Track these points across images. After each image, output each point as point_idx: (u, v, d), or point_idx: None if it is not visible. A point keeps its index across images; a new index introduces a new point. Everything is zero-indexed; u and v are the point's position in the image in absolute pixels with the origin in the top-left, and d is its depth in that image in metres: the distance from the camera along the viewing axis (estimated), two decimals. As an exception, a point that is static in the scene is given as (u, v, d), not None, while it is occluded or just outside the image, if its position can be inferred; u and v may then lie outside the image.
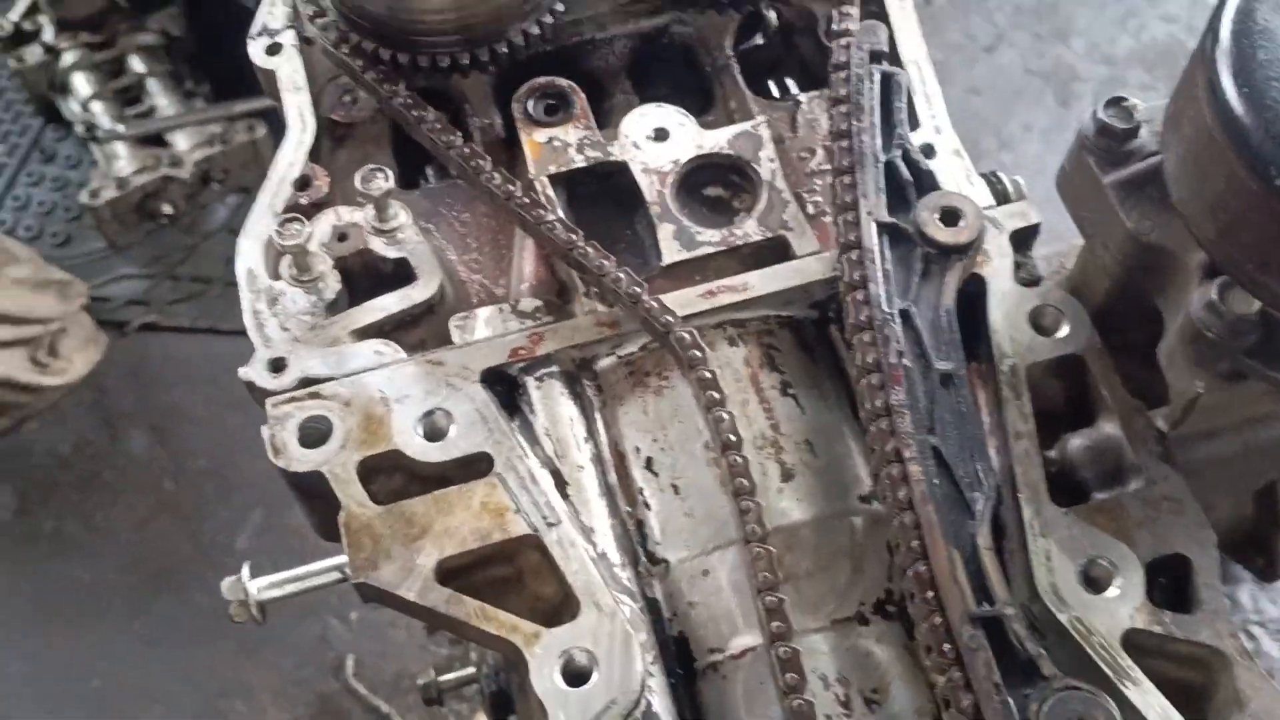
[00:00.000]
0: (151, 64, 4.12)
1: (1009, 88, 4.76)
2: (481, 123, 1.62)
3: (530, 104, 1.55)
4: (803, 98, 1.62)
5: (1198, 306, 1.18)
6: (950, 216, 1.35)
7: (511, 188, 1.44)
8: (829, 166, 1.52)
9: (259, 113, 3.94)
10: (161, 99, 4.12)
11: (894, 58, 1.56)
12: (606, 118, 1.64)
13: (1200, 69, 1.13)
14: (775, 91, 1.73)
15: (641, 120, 1.53)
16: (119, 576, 3.72)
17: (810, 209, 1.51)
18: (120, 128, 4.01)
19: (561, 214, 1.46)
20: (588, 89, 1.62)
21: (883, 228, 1.34)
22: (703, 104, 1.68)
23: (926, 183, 1.41)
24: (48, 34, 4.14)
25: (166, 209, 4.09)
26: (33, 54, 4.15)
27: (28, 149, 4.49)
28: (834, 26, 1.52)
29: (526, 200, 1.43)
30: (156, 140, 4.08)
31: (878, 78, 1.45)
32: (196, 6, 4.15)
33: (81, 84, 4.10)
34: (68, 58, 4.11)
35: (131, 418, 4.05)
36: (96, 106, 4.07)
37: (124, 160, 4.03)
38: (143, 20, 4.13)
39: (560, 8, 1.57)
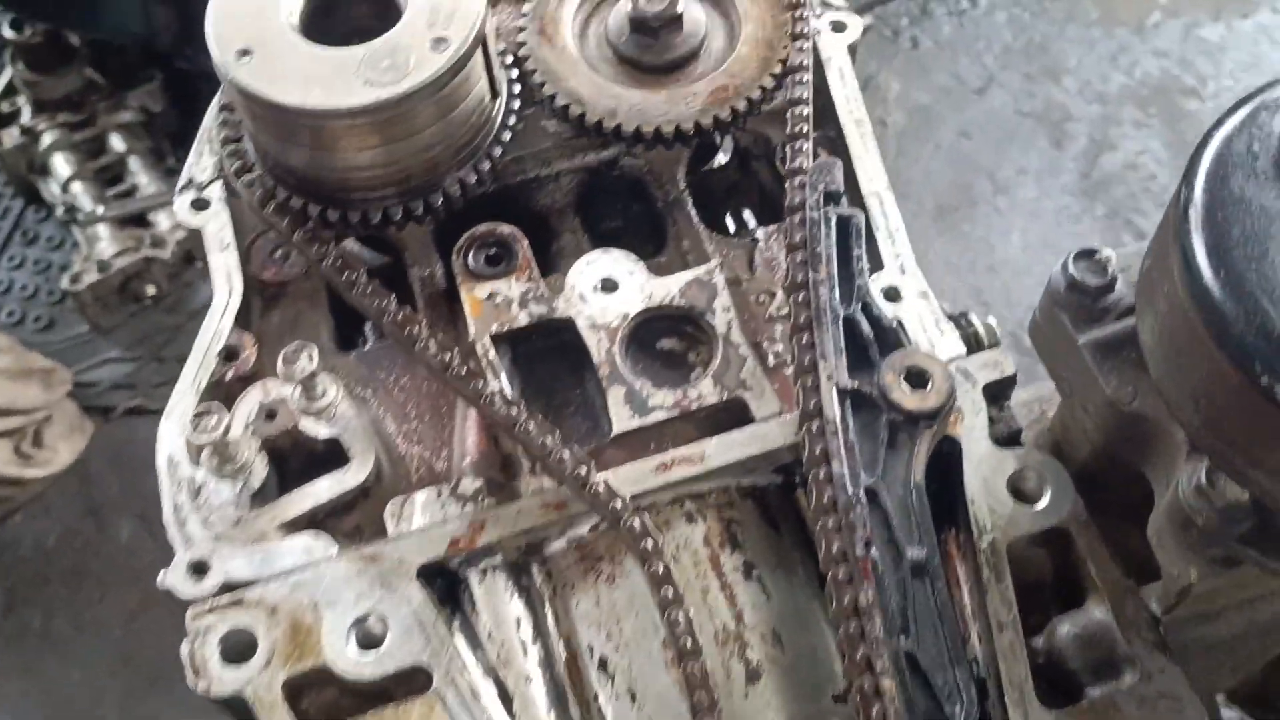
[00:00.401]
0: (132, 141, 4.05)
1: (1001, 130, 4.65)
2: (422, 273, 1.52)
3: (470, 256, 1.46)
4: (760, 234, 1.52)
5: (1187, 490, 1.09)
6: (917, 378, 1.25)
7: (448, 358, 1.34)
8: (788, 312, 1.43)
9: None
10: (143, 177, 4.05)
11: (853, 188, 1.47)
12: (555, 260, 1.55)
13: (1173, 237, 1.03)
14: (731, 225, 1.63)
15: (588, 270, 1.43)
16: (110, 674, 3.64)
17: (771, 359, 1.41)
18: (101, 209, 3.95)
19: (505, 377, 1.37)
20: (534, 228, 1.53)
21: (844, 394, 1.25)
22: (656, 239, 1.59)
23: (890, 339, 1.31)
24: (25, 115, 4.07)
25: (150, 290, 4.02)
26: (10, 136, 4.07)
27: (9, 232, 4.42)
28: (787, 165, 1.42)
29: (464, 372, 1.33)
30: (139, 220, 4.02)
31: (834, 222, 1.35)
32: (177, 81, 4.08)
33: (61, 165, 4.03)
34: (46, 138, 4.04)
35: (118, 506, 3.94)
36: (77, 187, 4.00)
37: (105, 242, 3.96)
38: (122, 97, 4.05)
39: (499, 152, 1.47)
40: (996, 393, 1.33)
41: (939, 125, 4.59)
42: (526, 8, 1.56)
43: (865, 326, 1.30)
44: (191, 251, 3.97)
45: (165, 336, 4.13)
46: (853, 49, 1.61)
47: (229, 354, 1.41)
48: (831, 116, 1.55)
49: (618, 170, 1.59)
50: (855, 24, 1.62)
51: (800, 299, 1.31)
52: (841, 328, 1.29)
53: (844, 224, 1.36)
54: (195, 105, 4.20)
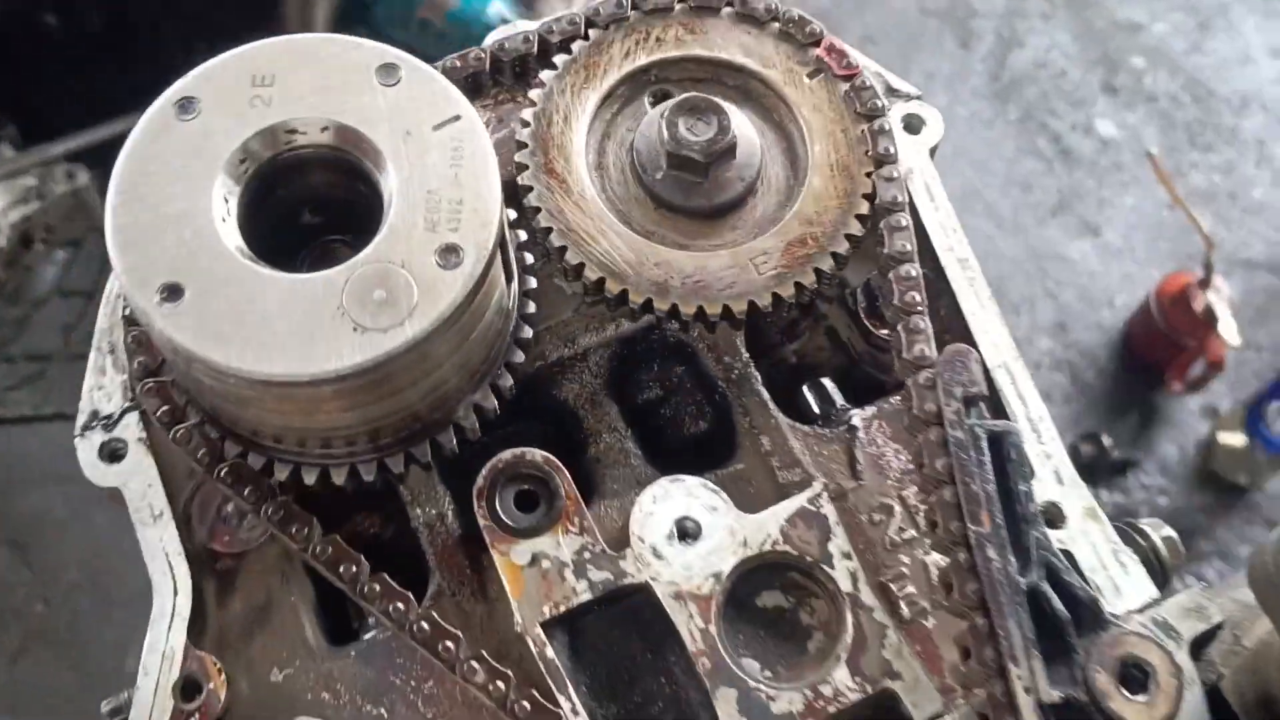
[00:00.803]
0: (-58, 111, 3.48)
1: (905, 33, 4.31)
2: (427, 516, 1.15)
3: (497, 500, 1.09)
4: (857, 419, 1.18)
5: None
6: (1136, 675, 0.96)
7: (503, 687, 1.00)
8: (914, 534, 1.12)
9: (78, 154, 3.32)
10: (-40, 152, 3.49)
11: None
12: (595, 471, 1.19)
13: None
14: (813, 402, 1.28)
15: (657, 510, 1.09)
16: (-1, 721, 3.32)
17: (905, 610, 1.10)
18: (-84, 197, 3.39)
19: (569, 680, 1.03)
20: (560, 422, 1.19)
21: (1048, 711, 0.95)
22: (713, 411, 1.24)
23: (1086, 613, 1.01)
24: None
25: (-16, 283, 3.53)
26: None
27: None
28: (902, 354, 1.09)
29: (528, 704, 0.99)
30: (-37, 204, 3.47)
31: (986, 446, 1.04)
32: (-20, 25, 3.48)
33: None
34: None
35: (-16, 534, 3.56)
36: (-114, 173, 3.42)
37: (-72, 234, 3.42)
38: (-77, 60, 3.47)
39: (519, 357, 1.10)
40: (1200, 643, 1.06)
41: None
42: (523, 132, 1.17)
43: (1055, 600, 1.00)
44: (29, 233, 3.48)
45: (9, 332, 3.72)
46: (933, 151, 1.27)
47: (188, 689, 1.03)
48: (923, 249, 1.21)
49: (658, 332, 1.24)
50: (934, 119, 1.27)
51: (961, 559, 1.00)
52: (1025, 606, 0.99)
53: (998, 445, 1.05)
54: (11, 60, 3.61)
